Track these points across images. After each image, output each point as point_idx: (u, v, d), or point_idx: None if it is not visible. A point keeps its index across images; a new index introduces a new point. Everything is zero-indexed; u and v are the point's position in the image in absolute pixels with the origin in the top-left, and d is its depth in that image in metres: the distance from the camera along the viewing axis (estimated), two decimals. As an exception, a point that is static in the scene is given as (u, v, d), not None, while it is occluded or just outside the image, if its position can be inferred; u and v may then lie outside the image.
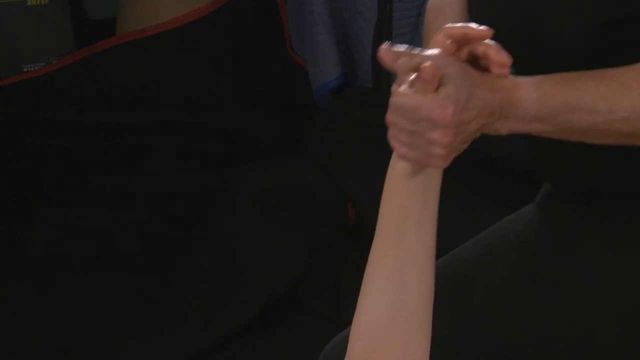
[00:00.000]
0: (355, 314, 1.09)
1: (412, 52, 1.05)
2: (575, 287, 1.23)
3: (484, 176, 2.37)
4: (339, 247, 2.35)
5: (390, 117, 1.06)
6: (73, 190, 2.56)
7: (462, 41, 1.05)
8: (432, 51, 1.03)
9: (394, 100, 1.05)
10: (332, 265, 2.29)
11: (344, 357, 1.08)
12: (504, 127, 1.08)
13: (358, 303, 1.09)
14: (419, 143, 1.05)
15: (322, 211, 2.39)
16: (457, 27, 1.05)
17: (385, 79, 2.56)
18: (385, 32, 2.54)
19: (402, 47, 1.07)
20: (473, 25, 1.06)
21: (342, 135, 2.39)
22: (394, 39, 2.67)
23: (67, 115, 2.77)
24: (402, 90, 1.03)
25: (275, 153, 2.59)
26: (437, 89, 1.01)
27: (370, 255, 1.12)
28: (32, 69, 2.90)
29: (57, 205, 2.49)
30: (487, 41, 1.05)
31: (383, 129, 2.57)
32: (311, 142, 2.48)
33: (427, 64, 1.00)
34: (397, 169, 1.13)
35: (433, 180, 1.13)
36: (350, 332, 1.08)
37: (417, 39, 2.76)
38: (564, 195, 1.32)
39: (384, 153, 2.35)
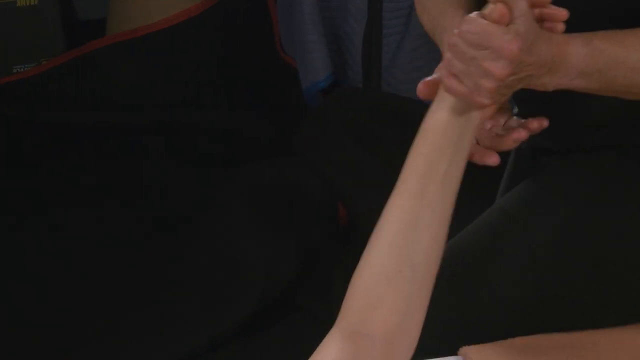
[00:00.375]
0: (357, 268, 1.06)
1: None
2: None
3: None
4: (331, 247, 2.35)
5: (452, 39, 1.08)
6: (64, 191, 2.55)
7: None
8: None
9: (463, 24, 1.07)
10: (324, 266, 2.29)
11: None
12: (551, 82, 1.11)
13: (362, 256, 1.07)
14: (473, 72, 1.07)
15: (314, 211, 2.40)
16: None
17: (375, 78, 2.56)
18: (375, 31, 2.54)
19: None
20: None
21: (333, 135, 2.40)
22: (385, 39, 2.68)
23: (57, 116, 2.77)
24: (473, 17, 1.06)
25: (267, 153, 2.59)
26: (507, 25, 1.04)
27: (385, 207, 1.10)
28: (22, 69, 2.89)
29: (50, 206, 2.48)
30: None
31: (374, 128, 2.59)
32: (302, 142, 2.48)
33: None
34: (433, 119, 1.14)
35: (465, 140, 1.13)
36: (349, 287, 1.06)
37: (407, 39, 2.77)
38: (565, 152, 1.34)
39: (375, 152, 2.38)
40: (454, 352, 1.20)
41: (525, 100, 1.28)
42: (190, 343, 2.08)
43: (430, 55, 2.82)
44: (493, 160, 1.17)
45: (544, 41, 1.07)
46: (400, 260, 1.03)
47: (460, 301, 1.30)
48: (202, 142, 2.68)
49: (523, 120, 1.21)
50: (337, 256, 2.31)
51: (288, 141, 2.53)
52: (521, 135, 1.17)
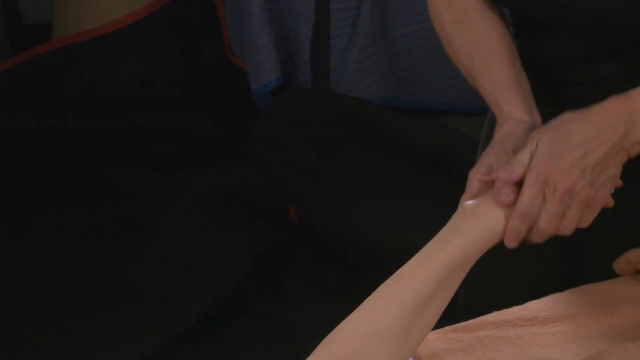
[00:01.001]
0: (361, 312, 1.04)
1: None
2: None
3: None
4: (281, 247, 2.35)
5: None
6: (15, 195, 2.53)
7: None
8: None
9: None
10: (275, 266, 2.29)
11: None
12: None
13: (370, 303, 1.04)
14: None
15: (265, 212, 2.40)
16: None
17: (324, 79, 2.57)
18: (322, 32, 2.54)
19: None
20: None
21: (282, 136, 2.40)
22: (333, 39, 2.69)
23: (3, 121, 2.74)
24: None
25: (217, 155, 2.59)
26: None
27: (407, 273, 1.06)
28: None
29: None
30: None
31: (323, 128, 2.60)
32: (252, 143, 2.48)
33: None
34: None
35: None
36: (345, 324, 1.03)
37: (355, 39, 2.78)
38: None
39: (325, 152, 2.38)
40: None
41: None
42: (143, 345, 2.07)
43: (378, 55, 2.85)
44: None
45: (588, 124, 1.06)
46: (396, 328, 1.02)
47: None
48: (152, 144, 2.67)
49: None
50: (288, 256, 2.32)
51: (238, 142, 2.53)
52: None
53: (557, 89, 1.31)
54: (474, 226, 1.06)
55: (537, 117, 1.17)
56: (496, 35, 1.24)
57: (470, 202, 1.08)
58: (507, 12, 1.33)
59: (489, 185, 1.11)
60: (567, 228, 1.07)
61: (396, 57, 2.91)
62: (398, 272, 1.05)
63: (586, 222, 1.08)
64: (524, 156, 1.07)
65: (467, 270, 1.07)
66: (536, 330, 1.23)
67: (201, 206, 2.37)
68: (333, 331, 1.04)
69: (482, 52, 1.23)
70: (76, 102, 2.78)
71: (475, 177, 1.12)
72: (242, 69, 2.82)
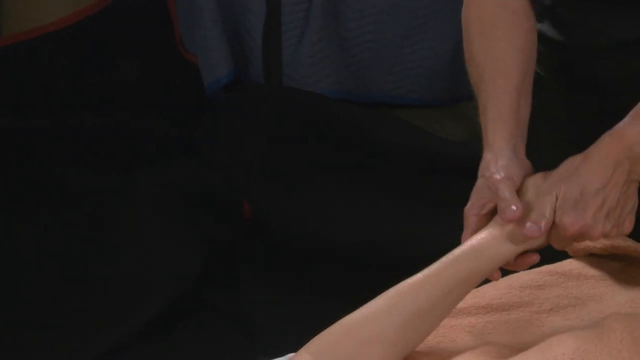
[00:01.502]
0: (360, 314, 1.08)
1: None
2: None
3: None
4: (236, 243, 2.34)
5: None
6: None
7: None
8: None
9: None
10: (230, 262, 2.29)
11: None
12: None
13: (371, 306, 1.08)
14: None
15: (218, 208, 2.39)
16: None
17: (276, 74, 2.56)
18: (274, 27, 2.54)
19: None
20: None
21: (235, 132, 2.39)
22: (285, 34, 2.68)
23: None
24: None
25: (170, 152, 2.57)
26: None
27: (411, 283, 1.10)
28: None
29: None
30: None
31: (276, 123, 2.59)
32: (205, 139, 2.47)
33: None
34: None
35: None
36: (342, 322, 1.08)
37: (308, 33, 2.78)
38: None
39: (277, 148, 2.38)
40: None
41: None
42: (99, 343, 2.05)
43: (331, 49, 2.84)
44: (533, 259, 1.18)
45: (589, 170, 1.11)
46: (399, 335, 1.07)
47: None
48: (103, 143, 2.65)
49: None
50: (242, 252, 2.31)
51: (191, 138, 2.51)
52: (534, 259, 1.17)
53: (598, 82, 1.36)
54: (483, 250, 1.11)
55: (521, 147, 1.21)
56: (515, 58, 1.25)
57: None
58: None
59: (487, 218, 1.17)
60: None
61: (349, 51, 2.91)
62: (403, 283, 1.10)
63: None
64: (544, 209, 1.12)
65: (469, 290, 1.13)
66: (490, 318, 1.24)
67: (155, 204, 2.35)
68: (331, 329, 1.08)
69: (494, 71, 1.24)
70: (25, 100, 2.74)
71: (471, 214, 1.18)
72: (194, 64, 2.80)
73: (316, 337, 1.06)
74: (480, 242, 1.11)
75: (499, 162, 1.18)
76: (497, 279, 1.17)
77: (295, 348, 1.09)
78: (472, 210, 1.19)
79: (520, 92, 1.23)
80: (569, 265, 1.33)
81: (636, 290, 1.26)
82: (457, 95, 3.02)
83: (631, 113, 1.14)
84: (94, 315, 2.11)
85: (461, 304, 1.25)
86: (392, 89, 2.98)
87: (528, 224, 1.11)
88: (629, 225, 1.15)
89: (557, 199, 1.12)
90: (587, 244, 1.32)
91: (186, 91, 2.81)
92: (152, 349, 2.07)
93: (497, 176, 1.16)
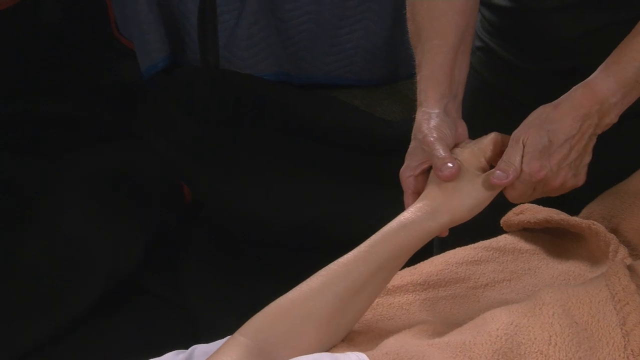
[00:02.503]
0: (294, 293, 1.08)
1: None
2: None
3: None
4: (175, 227, 2.33)
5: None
6: None
7: None
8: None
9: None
10: (170, 246, 2.27)
11: None
12: (612, 119, 1.16)
13: (305, 285, 1.09)
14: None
15: (157, 193, 2.37)
16: None
17: (213, 57, 2.54)
18: (209, 10, 2.51)
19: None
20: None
21: (172, 116, 2.37)
22: (221, 16, 2.66)
23: None
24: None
25: (106, 137, 2.54)
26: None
27: (342, 260, 1.11)
28: None
29: None
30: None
31: (214, 106, 2.57)
32: (142, 124, 2.44)
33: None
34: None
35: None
36: (275, 303, 1.08)
37: (244, 15, 2.75)
38: None
39: (215, 131, 2.36)
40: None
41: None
42: (39, 330, 2.03)
43: (268, 31, 2.82)
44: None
45: (565, 119, 1.14)
46: (334, 312, 1.08)
47: None
48: (39, 129, 2.61)
49: None
50: (182, 236, 2.30)
51: (128, 124, 2.49)
52: None
53: (550, 45, 1.38)
54: (411, 225, 1.12)
55: (452, 107, 1.24)
56: (453, 19, 1.26)
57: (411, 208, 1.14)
58: None
59: (423, 178, 1.20)
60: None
61: (286, 32, 2.89)
62: (335, 262, 1.10)
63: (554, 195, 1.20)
64: (512, 157, 1.15)
65: (401, 265, 1.14)
66: (427, 295, 1.24)
67: (92, 189, 2.32)
68: (265, 310, 1.08)
69: (430, 31, 1.26)
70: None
71: (406, 175, 1.22)
72: (130, 49, 2.77)
73: (250, 319, 1.06)
74: (407, 218, 1.12)
75: (431, 122, 1.20)
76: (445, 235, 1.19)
77: (235, 331, 1.09)
78: (407, 172, 1.22)
79: (455, 53, 1.25)
80: (504, 240, 1.34)
81: (569, 263, 1.28)
82: (396, 74, 3.03)
83: (602, 67, 1.17)
84: (33, 303, 2.08)
85: (398, 282, 1.25)
86: (331, 69, 2.97)
87: (497, 172, 1.14)
88: (583, 178, 1.19)
89: (524, 146, 1.15)
90: (522, 218, 1.33)
91: (122, 76, 2.78)
92: (93, 334, 2.06)
93: (431, 137, 1.18)
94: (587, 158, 1.18)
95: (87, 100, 2.71)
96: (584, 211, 1.36)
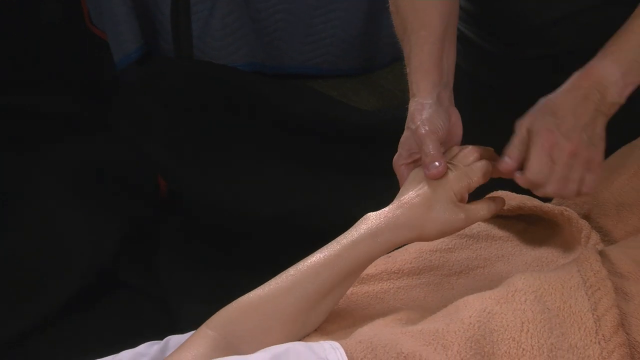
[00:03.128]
0: (262, 289, 1.09)
1: None
2: None
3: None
4: (152, 220, 2.32)
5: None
6: None
7: None
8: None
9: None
10: (147, 241, 2.26)
11: None
12: (616, 99, 1.15)
13: (272, 282, 1.09)
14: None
15: (133, 185, 2.36)
16: None
17: (186, 47, 2.53)
18: (183, 0, 2.50)
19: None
20: None
21: (146, 108, 2.35)
22: (194, 6, 2.65)
23: None
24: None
25: (80, 130, 2.52)
26: None
27: (311, 258, 1.11)
28: None
29: None
30: None
31: (188, 97, 2.55)
32: (117, 116, 2.42)
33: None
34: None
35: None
36: (243, 299, 1.08)
37: (218, 5, 2.74)
38: None
39: (191, 123, 2.35)
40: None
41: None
42: (17, 324, 2.02)
43: (242, 21, 2.82)
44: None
45: (567, 108, 1.14)
46: (300, 312, 1.09)
47: None
48: (10, 121, 2.59)
49: None
50: (158, 228, 2.29)
51: (102, 116, 2.47)
52: None
53: (526, 32, 1.38)
54: (379, 235, 1.11)
55: (445, 95, 1.24)
56: (437, 9, 1.27)
57: (374, 212, 1.14)
58: None
59: (416, 166, 1.20)
60: (572, 191, 1.15)
61: (261, 23, 2.88)
62: (303, 263, 1.10)
63: (589, 187, 1.16)
64: (516, 142, 1.15)
65: (365, 268, 1.14)
66: (401, 284, 1.24)
67: (67, 182, 2.31)
68: (232, 305, 1.08)
69: (415, 22, 1.26)
70: None
71: (399, 164, 1.22)
72: (103, 40, 2.75)
73: (218, 312, 1.07)
74: (378, 226, 1.11)
75: (424, 114, 1.20)
76: None
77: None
78: (399, 160, 1.23)
79: (443, 42, 1.25)
80: (477, 227, 1.35)
81: (542, 249, 1.28)
82: (372, 64, 3.03)
83: (600, 52, 1.17)
84: (7, 298, 2.07)
85: (373, 270, 1.26)
86: (306, 59, 2.97)
87: (506, 158, 1.15)
88: (599, 154, 1.16)
89: (527, 131, 1.15)
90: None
91: (96, 67, 2.76)
92: (69, 327, 2.05)
93: (422, 130, 1.18)
94: (601, 131, 1.16)
95: (59, 92, 2.69)
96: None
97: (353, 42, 2.98)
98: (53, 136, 2.49)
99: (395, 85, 2.87)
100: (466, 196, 1.16)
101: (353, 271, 1.12)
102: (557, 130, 1.13)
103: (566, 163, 1.13)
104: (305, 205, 2.21)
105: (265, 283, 1.09)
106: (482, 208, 1.16)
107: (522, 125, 1.16)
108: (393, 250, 1.15)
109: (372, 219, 1.12)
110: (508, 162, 1.15)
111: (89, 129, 2.51)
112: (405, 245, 1.16)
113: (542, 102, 1.17)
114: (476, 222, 1.17)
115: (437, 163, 1.14)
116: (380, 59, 3.03)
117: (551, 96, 1.16)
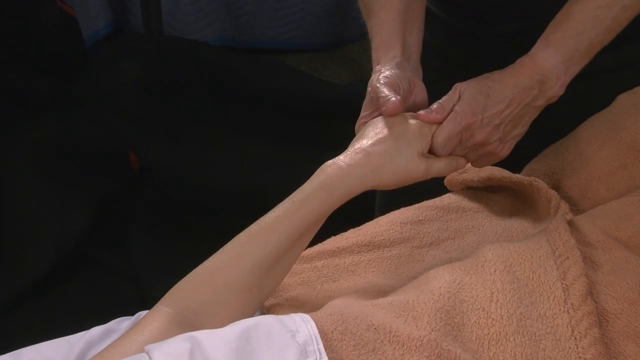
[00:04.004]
0: (213, 261, 1.05)
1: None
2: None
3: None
4: (123, 196, 2.31)
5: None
6: None
7: None
8: None
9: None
10: (117, 216, 2.25)
11: None
12: (555, 92, 1.17)
13: (223, 254, 1.06)
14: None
15: (104, 162, 2.35)
16: None
17: (156, 23, 2.51)
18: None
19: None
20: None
21: (116, 84, 2.33)
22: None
23: None
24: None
25: (50, 107, 2.50)
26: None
27: (260, 224, 1.07)
28: None
29: None
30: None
31: (157, 73, 2.53)
32: (86, 92, 2.41)
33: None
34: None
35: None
36: (196, 273, 1.05)
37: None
38: None
39: (161, 98, 2.34)
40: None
41: None
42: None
43: (212, -5, 2.80)
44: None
45: (507, 83, 1.15)
46: (254, 281, 1.05)
47: None
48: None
49: None
50: (129, 205, 2.28)
51: (72, 92, 2.45)
52: None
53: (491, 7, 1.39)
54: (334, 187, 1.07)
55: (406, 66, 1.23)
56: None
57: (330, 161, 1.10)
58: None
59: None
60: (460, 164, 1.17)
61: (231, -2, 2.87)
62: (254, 227, 1.07)
63: (479, 166, 1.21)
64: (446, 103, 1.15)
65: (321, 224, 1.10)
66: (372, 256, 1.25)
67: (36, 160, 2.29)
68: (185, 280, 1.05)
69: (376, 4, 1.27)
70: None
71: (357, 125, 1.20)
72: (72, 16, 2.72)
73: (172, 289, 1.04)
74: (327, 180, 1.08)
75: (382, 74, 1.19)
76: None
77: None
78: (358, 122, 1.21)
79: (404, 21, 1.26)
80: (447, 199, 1.35)
81: (512, 220, 1.29)
82: (342, 38, 3.02)
83: (542, 37, 1.17)
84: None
85: (344, 243, 1.25)
86: (277, 34, 2.96)
87: (425, 110, 1.15)
88: (507, 151, 1.18)
89: (460, 96, 1.15)
90: (465, 176, 1.34)
91: (65, 44, 2.73)
92: (40, 305, 2.04)
93: (377, 83, 1.17)
94: (520, 130, 1.18)
95: (29, 69, 2.66)
96: (526, 168, 1.37)
97: (323, 17, 2.97)
98: (23, 113, 2.46)
99: (366, 59, 2.85)
100: (427, 149, 1.14)
101: (307, 229, 1.07)
102: (480, 114, 1.13)
103: (469, 147, 1.16)
104: (275, 179, 2.21)
105: (217, 252, 1.06)
106: (444, 163, 1.14)
107: (457, 89, 1.16)
108: (347, 200, 1.10)
109: (325, 171, 1.08)
110: (429, 114, 1.15)
111: (59, 105, 2.49)
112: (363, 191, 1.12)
113: (486, 76, 1.17)
114: (435, 176, 1.14)
115: (393, 98, 1.13)
116: (350, 33, 3.02)
117: (495, 76, 1.16)
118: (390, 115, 1.13)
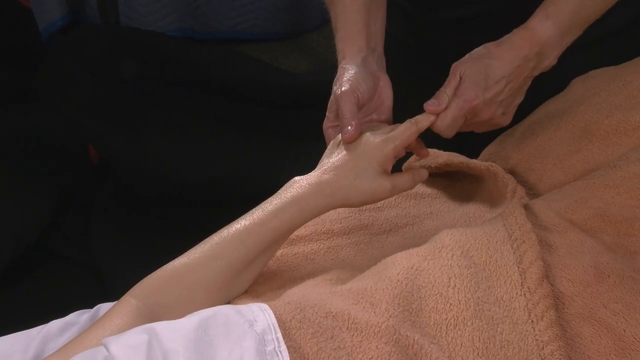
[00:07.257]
0: (185, 258, 1.08)
1: None
2: None
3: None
4: (83, 189, 2.29)
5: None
6: None
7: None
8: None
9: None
10: (78, 209, 2.24)
11: None
12: (550, 62, 1.20)
13: (195, 252, 1.08)
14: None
15: (63, 154, 2.32)
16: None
17: (112, 13, 2.49)
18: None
19: None
20: None
21: (74, 76, 2.31)
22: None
23: None
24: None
25: (7, 100, 2.47)
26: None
27: (229, 229, 1.10)
28: None
29: None
30: None
31: (115, 65, 2.51)
32: (44, 85, 2.38)
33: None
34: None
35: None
36: (169, 266, 1.07)
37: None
38: None
39: (119, 90, 2.32)
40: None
41: None
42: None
43: (170, -15, 2.78)
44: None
45: (504, 57, 1.17)
46: (224, 282, 1.08)
47: None
48: None
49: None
50: (90, 197, 2.26)
51: (28, 85, 2.42)
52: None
53: None
54: (306, 202, 1.10)
55: (372, 60, 1.25)
56: None
57: (299, 177, 1.13)
58: None
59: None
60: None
61: (188, -13, 2.85)
62: (229, 228, 1.09)
63: (480, 132, 1.26)
64: (447, 89, 1.17)
65: (288, 237, 1.14)
66: (331, 244, 1.25)
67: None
68: (156, 273, 1.07)
69: None
70: None
71: (327, 127, 1.23)
72: (27, 8, 2.69)
73: (141, 281, 1.06)
74: (298, 195, 1.11)
75: (346, 75, 1.20)
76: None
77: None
78: (327, 123, 1.23)
79: (368, 9, 1.27)
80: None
81: (469, 205, 1.30)
82: (301, 27, 3.02)
83: (540, 7, 1.19)
84: None
85: (302, 232, 1.26)
86: (236, 24, 2.94)
87: (431, 100, 1.17)
88: (509, 118, 1.23)
89: (460, 79, 1.17)
90: (422, 162, 1.35)
91: (21, 37, 2.70)
92: (2, 300, 2.01)
93: (339, 91, 1.18)
94: (519, 99, 1.22)
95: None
96: (483, 153, 1.38)
97: (282, 6, 2.97)
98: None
99: (326, 48, 2.86)
100: (390, 165, 1.15)
101: (277, 239, 1.11)
102: (482, 96, 1.16)
103: (474, 124, 1.21)
104: (237, 170, 2.20)
105: (190, 250, 1.08)
106: (407, 178, 1.16)
107: (456, 72, 1.18)
108: (318, 215, 1.14)
109: (297, 186, 1.12)
110: (437, 107, 1.17)
111: (16, 98, 2.46)
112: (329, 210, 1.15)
113: (483, 49, 1.19)
114: (401, 192, 1.17)
115: (349, 127, 1.14)
116: (309, 22, 3.02)
117: (492, 51, 1.18)
118: (346, 143, 1.15)
